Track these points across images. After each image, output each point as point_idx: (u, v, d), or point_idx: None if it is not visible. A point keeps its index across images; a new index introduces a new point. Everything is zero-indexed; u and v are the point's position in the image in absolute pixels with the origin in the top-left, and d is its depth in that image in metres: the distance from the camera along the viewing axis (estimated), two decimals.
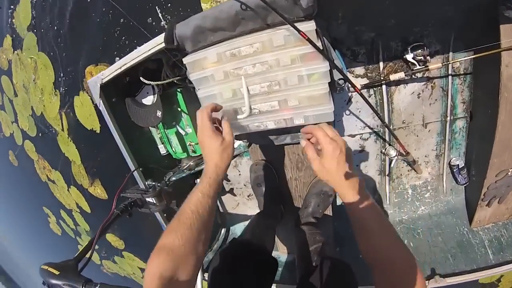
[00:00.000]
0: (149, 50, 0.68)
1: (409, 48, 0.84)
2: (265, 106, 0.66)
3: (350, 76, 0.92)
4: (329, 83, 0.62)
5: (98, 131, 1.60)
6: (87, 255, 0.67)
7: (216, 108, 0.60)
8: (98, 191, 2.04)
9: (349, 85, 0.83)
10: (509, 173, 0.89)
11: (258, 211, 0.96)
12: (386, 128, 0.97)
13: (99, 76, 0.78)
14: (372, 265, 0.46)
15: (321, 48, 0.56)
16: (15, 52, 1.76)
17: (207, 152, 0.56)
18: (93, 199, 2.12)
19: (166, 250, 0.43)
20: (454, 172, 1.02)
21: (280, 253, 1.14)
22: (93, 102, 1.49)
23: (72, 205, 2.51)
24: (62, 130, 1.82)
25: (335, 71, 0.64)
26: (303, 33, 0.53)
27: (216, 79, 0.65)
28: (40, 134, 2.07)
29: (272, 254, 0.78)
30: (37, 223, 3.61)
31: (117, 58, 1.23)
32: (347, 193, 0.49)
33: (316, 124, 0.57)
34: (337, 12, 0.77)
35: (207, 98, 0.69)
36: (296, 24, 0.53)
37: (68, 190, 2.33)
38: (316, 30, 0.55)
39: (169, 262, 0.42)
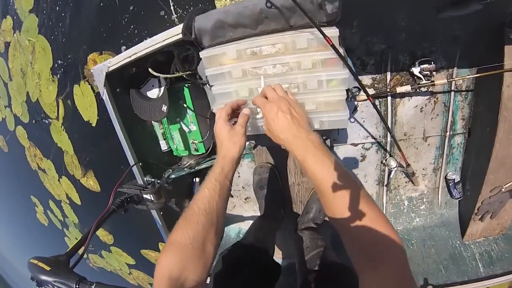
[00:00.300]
0: (164, 40, 0.65)
1: (417, 62, 0.84)
2: None
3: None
4: None
5: (93, 124, 1.53)
6: (80, 252, 0.61)
7: (238, 107, 0.57)
8: (91, 183, 1.96)
9: (357, 94, 0.83)
10: (503, 190, 0.90)
11: (254, 214, 0.93)
12: (387, 139, 0.97)
13: (105, 63, 0.73)
14: (340, 230, 0.40)
15: (343, 55, 0.55)
16: (14, 34, 1.67)
17: (217, 144, 0.54)
18: (84, 191, 2.04)
19: (173, 249, 0.41)
20: (449, 186, 1.02)
21: (276, 257, 1.11)
22: (94, 91, 1.43)
23: (62, 196, 2.40)
24: (57, 118, 1.74)
25: (349, 79, 0.62)
26: (329, 38, 0.52)
27: (233, 76, 0.63)
28: (33, 121, 1.97)
29: None
30: (23, 212, 3.44)
31: (123, 47, 1.17)
32: (300, 152, 0.44)
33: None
34: (352, 22, 0.77)
35: (222, 95, 0.66)
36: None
37: (59, 180, 2.23)
38: (338, 36, 0.54)
39: (177, 262, 0.40)
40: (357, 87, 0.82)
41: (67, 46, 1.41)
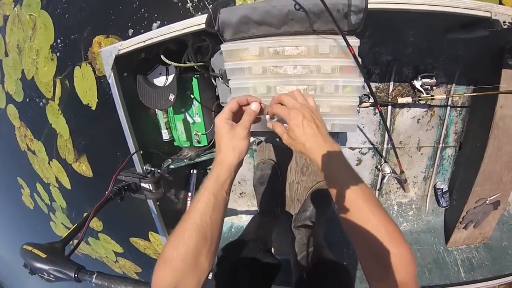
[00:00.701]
0: (184, 29, 0.62)
1: (419, 76, 0.86)
2: None
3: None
4: None
5: (93, 108, 1.46)
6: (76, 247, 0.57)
7: (247, 103, 0.50)
8: (83, 167, 1.87)
9: (365, 101, 0.83)
10: (487, 202, 0.93)
11: (248, 209, 0.91)
12: (384, 146, 0.98)
13: (116, 46, 0.68)
14: (354, 238, 0.40)
15: (361, 64, 0.56)
16: (15, 8, 1.56)
17: (216, 144, 0.47)
18: (75, 176, 1.95)
19: (166, 265, 0.39)
20: (437, 195, 1.05)
21: None
22: (95, 74, 1.36)
23: (51, 179, 2.29)
24: (53, 99, 1.65)
25: (361, 88, 0.62)
26: (351, 47, 0.53)
27: (253, 73, 0.62)
28: (27, 100, 1.86)
29: None
30: (8, 193, 3.27)
31: (131, 31, 1.11)
32: (325, 161, 0.42)
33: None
34: (364, 32, 0.77)
35: (239, 90, 0.65)
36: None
37: (49, 163, 2.12)
38: (358, 46, 0.55)
39: (169, 278, 0.38)
40: (366, 95, 0.82)
41: (71, 24, 1.32)
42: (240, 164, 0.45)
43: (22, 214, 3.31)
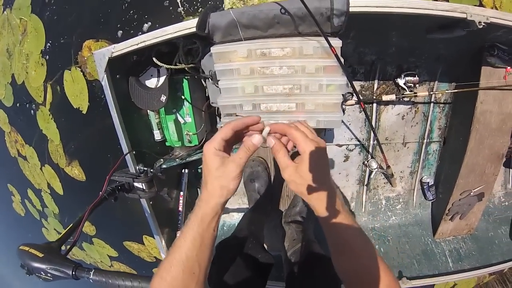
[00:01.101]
0: (176, 32, 0.64)
1: (402, 75, 0.90)
2: (283, 106, 0.68)
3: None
4: None
5: (84, 112, 1.46)
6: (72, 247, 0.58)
7: (245, 127, 0.41)
8: (76, 171, 1.86)
9: (349, 99, 0.86)
10: (472, 194, 0.97)
11: (239, 207, 0.93)
12: (370, 142, 1.02)
13: (109, 48, 0.70)
14: (350, 283, 0.40)
15: (344, 64, 0.60)
16: (5, 11, 1.55)
17: (202, 176, 0.40)
18: (68, 180, 1.92)
19: None
20: (424, 189, 1.09)
21: None
22: (86, 78, 1.36)
23: (43, 185, 2.25)
24: (44, 104, 1.64)
25: (344, 86, 0.66)
26: (334, 48, 0.57)
27: (241, 73, 0.65)
28: (17, 105, 1.84)
29: None
30: None
31: (120, 32, 1.11)
32: (327, 209, 0.38)
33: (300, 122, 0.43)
34: (349, 32, 0.80)
35: (228, 90, 0.68)
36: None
37: (41, 168, 2.09)
38: (341, 47, 0.59)
39: None
40: (350, 93, 0.86)
41: (61, 28, 1.32)
42: (226, 202, 0.40)
43: (13, 221, 3.23)
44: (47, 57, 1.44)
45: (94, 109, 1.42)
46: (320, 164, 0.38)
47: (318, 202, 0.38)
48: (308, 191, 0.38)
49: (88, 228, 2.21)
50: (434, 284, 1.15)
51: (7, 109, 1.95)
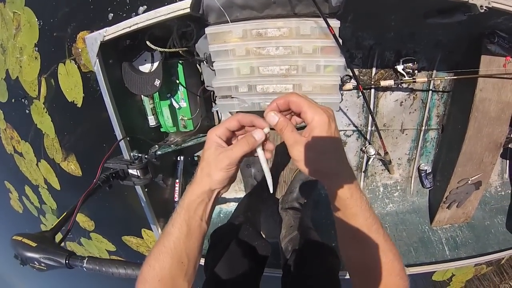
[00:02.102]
0: (170, 13, 0.62)
1: (401, 60, 0.88)
2: (280, 88, 0.66)
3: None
4: None
5: (79, 105, 1.44)
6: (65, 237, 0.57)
7: (251, 124, 0.38)
8: (72, 167, 1.84)
9: (348, 82, 0.85)
10: (469, 182, 0.97)
11: (236, 196, 0.92)
12: (368, 128, 1.01)
13: (100, 32, 0.68)
14: (357, 274, 0.37)
15: (342, 44, 0.58)
16: None
17: (200, 161, 0.39)
18: (64, 175, 1.91)
19: (146, 283, 0.37)
20: (421, 176, 1.08)
21: None
22: (80, 70, 1.34)
23: (40, 181, 2.24)
24: (38, 98, 1.61)
25: (342, 67, 0.65)
26: (332, 28, 0.55)
27: (236, 54, 0.64)
28: (12, 100, 1.81)
29: None
30: None
31: (111, 15, 1.08)
32: (343, 190, 0.33)
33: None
34: (347, 16, 0.79)
35: (223, 72, 0.67)
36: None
37: (37, 164, 2.08)
38: (339, 27, 0.58)
39: None
40: (348, 75, 0.85)
41: (55, 21, 1.31)
42: (214, 192, 0.38)
43: (11, 218, 3.21)
44: (42, 50, 1.41)
45: (90, 101, 1.39)
46: (334, 134, 0.33)
47: (334, 182, 0.34)
48: (323, 168, 0.34)
49: (87, 223, 2.20)
50: (433, 273, 1.15)
51: (1, 105, 1.92)
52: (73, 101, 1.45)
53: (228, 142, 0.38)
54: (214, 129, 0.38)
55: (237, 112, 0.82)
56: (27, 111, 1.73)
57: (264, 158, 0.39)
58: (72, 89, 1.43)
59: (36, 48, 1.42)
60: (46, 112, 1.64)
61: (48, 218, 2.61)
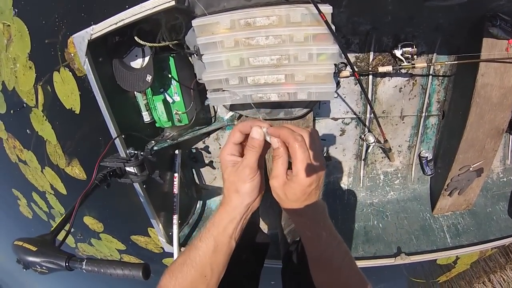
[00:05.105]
0: (154, 7, 0.58)
1: (399, 45, 0.83)
2: (271, 79, 0.62)
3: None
4: None
5: (77, 112, 1.41)
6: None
7: (243, 134, 0.38)
8: (76, 171, 1.82)
9: (343, 70, 0.81)
10: (471, 169, 0.93)
11: None
12: (367, 115, 0.97)
13: (88, 31, 0.64)
14: None
15: (336, 31, 0.54)
16: None
17: (223, 183, 0.39)
18: (70, 180, 1.90)
19: None
20: (422, 163, 1.04)
21: None
22: (76, 75, 1.31)
23: (46, 187, 2.23)
24: (36, 106, 1.59)
25: (336, 55, 0.61)
26: (323, 14, 0.51)
27: (225, 46, 0.60)
28: (11, 111, 1.79)
29: None
30: (5, 206, 3.17)
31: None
32: (306, 228, 0.37)
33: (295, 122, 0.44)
34: (342, 0, 0.74)
35: (212, 65, 0.63)
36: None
37: (42, 171, 2.06)
38: (331, 13, 0.54)
39: None
40: (343, 63, 0.80)
41: (45, 28, 1.27)
42: (249, 206, 0.38)
43: (21, 224, 3.22)
44: (35, 59, 1.38)
45: (88, 106, 1.37)
46: (311, 193, 0.35)
47: (297, 218, 0.37)
48: (289, 211, 0.37)
49: (96, 225, 2.20)
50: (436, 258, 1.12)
51: (1, 116, 1.90)
52: (71, 108, 1.43)
53: (241, 155, 0.39)
54: (223, 149, 0.39)
55: (230, 106, 0.78)
56: (26, 120, 1.71)
57: (277, 144, 0.37)
58: (69, 96, 1.40)
59: (30, 57, 1.39)
60: (46, 120, 1.62)
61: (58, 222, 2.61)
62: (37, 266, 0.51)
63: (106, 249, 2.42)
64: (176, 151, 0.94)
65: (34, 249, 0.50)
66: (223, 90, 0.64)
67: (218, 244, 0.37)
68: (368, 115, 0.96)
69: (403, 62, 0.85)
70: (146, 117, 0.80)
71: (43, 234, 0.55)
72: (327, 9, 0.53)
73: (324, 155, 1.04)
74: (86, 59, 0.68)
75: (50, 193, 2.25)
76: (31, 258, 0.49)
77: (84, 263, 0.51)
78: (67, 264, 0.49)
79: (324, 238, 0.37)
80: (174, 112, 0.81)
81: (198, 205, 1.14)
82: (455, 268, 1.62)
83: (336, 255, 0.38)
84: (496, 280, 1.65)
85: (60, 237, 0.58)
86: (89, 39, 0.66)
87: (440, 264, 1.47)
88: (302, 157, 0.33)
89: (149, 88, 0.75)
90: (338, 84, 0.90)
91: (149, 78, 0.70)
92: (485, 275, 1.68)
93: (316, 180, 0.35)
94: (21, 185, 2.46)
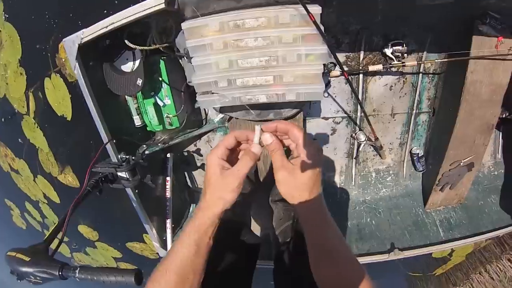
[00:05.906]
0: (144, 10, 0.58)
1: (389, 44, 0.84)
2: (260, 80, 0.62)
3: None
4: None
5: (68, 118, 1.38)
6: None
7: (247, 139, 0.40)
8: (69, 179, 1.78)
9: (332, 69, 0.81)
10: (461, 164, 0.94)
11: None
12: (357, 114, 0.97)
13: (78, 34, 0.63)
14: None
15: (324, 32, 0.55)
16: None
17: (203, 184, 0.40)
18: (63, 188, 1.85)
19: None
20: (414, 160, 1.05)
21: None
22: (68, 81, 1.29)
23: (39, 196, 2.17)
24: (28, 113, 1.55)
25: (325, 55, 0.61)
26: (312, 15, 0.52)
27: (214, 48, 0.60)
28: (2, 119, 1.75)
29: None
30: None
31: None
32: (314, 217, 0.38)
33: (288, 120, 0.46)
34: (332, 0, 0.75)
35: (202, 67, 0.63)
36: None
37: (34, 180, 2.01)
38: (320, 14, 0.54)
39: None
40: (332, 63, 0.81)
41: (36, 34, 1.25)
42: (223, 212, 0.39)
43: (15, 235, 3.12)
44: (26, 65, 1.36)
45: (79, 112, 1.34)
46: (317, 172, 0.36)
47: (306, 210, 0.37)
48: (299, 198, 0.37)
49: (90, 234, 2.15)
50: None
51: None
52: (63, 114, 1.40)
53: (229, 160, 0.39)
54: (214, 151, 0.38)
55: (220, 108, 0.78)
56: (18, 128, 1.67)
57: (269, 139, 0.39)
58: (60, 102, 1.37)
59: (21, 63, 1.36)
60: (37, 127, 1.58)
61: None
62: (31, 276, 0.50)
63: (101, 257, 2.36)
64: (168, 155, 0.93)
65: (27, 259, 0.49)
66: (213, 93, 0.64)
67: (199, 248, 0.37)
68: (359, 114, 0.97)
69: (394, 61, 0.85)
70: (138, 121, 0.79)
71: (36, 244, 0.54)
72: (316, 9, 0.54)
73: None
74: (77, 63, 0.67)
75: (43, 202, 2.19)
76: (24, 269, 0.49)
77: (77, 271, 0.50)
78: (60, 273, 0.49)
79: (332, 225, 0.38)
80: (165, 116, 0.80)
81: (191, 209, 1.13)
82: (451, 261, 1.63)
83: (343, 246, 0.38)
84: (492, 270, 1.67)
85: (54, 246, 0.57)
86: (79, 43, 0.65)
87: (436, 258, 1.48)
88: (304, 136, 0.36)
89: (140, 92, 0.74)
90: (328, 83, 0.90)
91: (139, 82, 0.69)
92: (481, 266, 1.69)
93: (321, 157, 0.37)
94: (13, 195, 2.40)
